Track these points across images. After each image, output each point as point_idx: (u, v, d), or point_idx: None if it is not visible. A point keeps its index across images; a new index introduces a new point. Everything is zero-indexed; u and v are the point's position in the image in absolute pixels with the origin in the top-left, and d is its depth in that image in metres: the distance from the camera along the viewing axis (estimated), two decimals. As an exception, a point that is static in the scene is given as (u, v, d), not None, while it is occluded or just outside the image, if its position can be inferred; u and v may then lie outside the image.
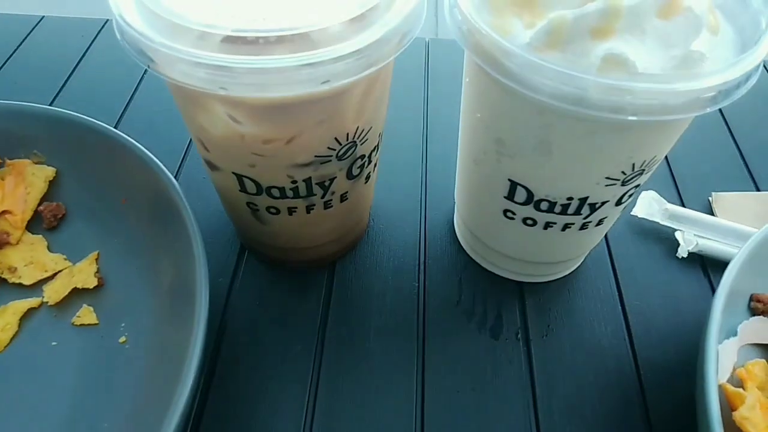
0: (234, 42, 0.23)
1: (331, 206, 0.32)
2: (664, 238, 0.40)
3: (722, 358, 0.28)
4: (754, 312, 0.32)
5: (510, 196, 0.31)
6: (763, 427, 0.24)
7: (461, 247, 0.40)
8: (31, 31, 0.55)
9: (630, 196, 0.31)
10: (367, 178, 0.34)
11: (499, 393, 0.33)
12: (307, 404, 0.32)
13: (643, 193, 0.42)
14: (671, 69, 0.23)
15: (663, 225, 0.41)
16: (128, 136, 0.35)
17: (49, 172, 0.37)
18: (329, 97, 0.25)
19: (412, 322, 0.36)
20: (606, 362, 0.34)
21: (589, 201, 0.30)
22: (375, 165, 0.34)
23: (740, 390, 0.26)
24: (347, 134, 0.28)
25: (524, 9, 0.25)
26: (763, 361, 0.30)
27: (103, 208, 0.36)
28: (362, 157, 0.31)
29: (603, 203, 0.30)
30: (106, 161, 0.36)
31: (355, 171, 0.31)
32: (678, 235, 0.40)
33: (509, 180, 0.30)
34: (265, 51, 0.23)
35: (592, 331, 0.36)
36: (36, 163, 0.38)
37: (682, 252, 0.39)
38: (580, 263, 0.39)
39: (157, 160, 0.34)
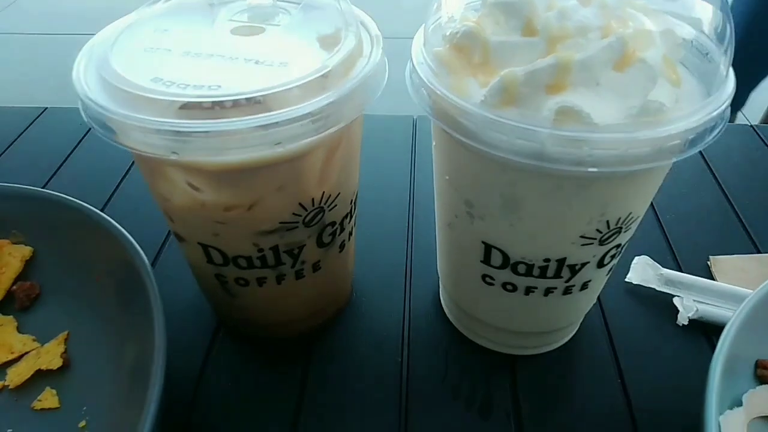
0: (191, 108, 0.23)
1: (303, 276, 0.31)
2: (663, 306, 0.38)
3: (727, 431, 0.25)
4: (761, 380, 0.30)
5: (486, 260, 0.30)
6: None
7: (448, 319, 0.38)
8: (33, 121, 0.57)
9: (612, 257, 0.29)
10: (342, 246, 0.33)
11: (488, 479, 0.30)
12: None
13: (636, 259, 0.40)
14: (629, 119, 0.22)
15: (660, 291, 0.39)
16: (111, 218, 0.35)
17: (26, 251, 0.37)
18: (287, 162, 0.25)
19: (395, 400, 0.33)
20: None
21: (567, 262, 0.28)
22: (350, 234, 0.34)
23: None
24: (312, 200, 0.28)
25: (478, 69, 0.25)
26: (775, 434, 0.27)
27: (77, 287, 0.36)
28: (332, 224, 0.30)
29: (583, 264, 0.28)
30: (82, 239, 0.36)
31: (326, 239, 0.31)
32: (676, 301, 0.38)
33: (483, 242, 0.29)
34: (221, 116, 0.23)
35: (589, 407, 0.33)
36: (14, 243, 0.37)
37: (682, 319, 0.37)
38: (573, 333, 0.36)
39: (130, 238, 0.34)
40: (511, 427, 0.32)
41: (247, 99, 0.23)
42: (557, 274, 0.29)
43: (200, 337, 0.37)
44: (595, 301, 0.35)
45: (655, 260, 0.40)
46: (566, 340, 0.36)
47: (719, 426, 0.24)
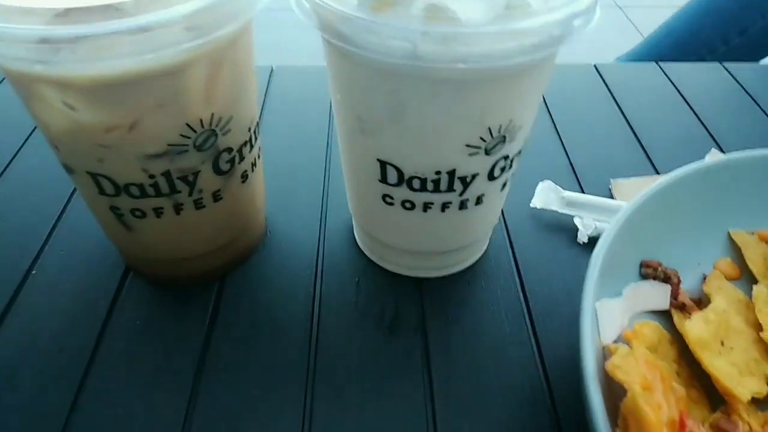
0: (63, 16, 0.22)
1: (204, 206, 0.31)
2: (565, 227, 0.40)
3: (606, 321, 0.27)
4: (645, 278, 0.32)
5: (383, 178, 0.30)
6: (636, 375, 0.23)
7: (361, 250, 0.38)
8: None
9: (503, 170, 0.30)
10: (244, 177, 0.33)
11: (395, 389, 0.31)
12: (184, 423, 0.29)
13: (540, 184, 0.42)
14: (495, 16, 0.23)
15: (562, 213, 0.40)
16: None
17: None
18: (165, 76, 0.25)
19: (305, 329, 0.34)
20: (508, 352, 0.33)
21: (458, 174, 0.29)
22: (254, 165, 0.34)
23: (620, 344, 0.25)
24: (200, 121, 0.27)
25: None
26: (654, 322, 0.29)
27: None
28: (229, 150, 0.30)
29: (473, 176, 0.29)
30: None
31: (224, 166, 0.30)
32: (577, 221, 0.40)
33: (378, 160, 0.29)
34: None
35: (492, 322, 0.34)
36: None
37: (582, 237, 0.39)
38: (479, 256, 0.38)
39: None
40: (418, 340, 0.33)
41: (118, 4, 0.22)
42: (450, 188, 0.30)
43: (108, 279, 0.36)
44: (495, 220, 0.36)
45: (560, 185, 0.42)
46: (472, 261, 0.37)
47: (595, 311, 0.26)
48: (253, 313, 0.34)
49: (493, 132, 0.27)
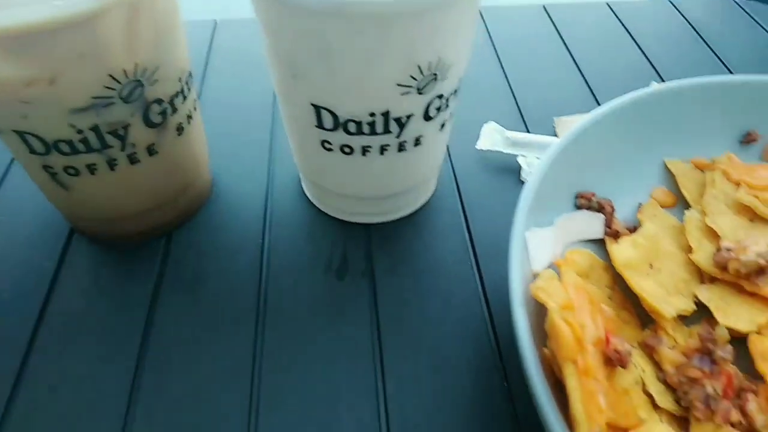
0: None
1: (139, 161, 0.31)
2: (511, 167, 0.41)
3: (537, 249, 0.27)
4: (580, 209, 0.32)
5: (320, 124, 0.30)
6: (558, 296, 0.24)
7: (308, 199, 0.39)
8: None
9: (438, 109, 0.30)
10: (180, 130, 0.32)
11: (343, 330, 0.31)
12: (133, 382, 0.29)
13: (485, 126, 0.42)
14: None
15: (507, 153, 0.41)
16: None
17: None
18: (80, 25, 0.24)
19: (254, 280, 0.34)
20: (453, 289, 0.33)
21: (392, 115, 0.29)
22: (189, 117, 0.33)
23: (548, 270, 0.26)
24: (124, 71, 0.27)
25: None
26: (587, 250, 0.30)
27: None
28: (158, 101, 0.30)
29: (408, 117, 0.29)
30: None
31: (155, 118, 0.30)
32: (520, 160, 0.40)
33: (312, 105, 0.29)
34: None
35: (439, 262, 0.35)
36: None
37: (525, 176, 0.39)
38: (426, 200, 0.38)
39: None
40: (366, 283, 0.34)
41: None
42: (386, 130, 0.30)
43: (53, 241, 0.36)
44: (437, 163, 0.36)
45: (506, 126, 0.42)
46: (419, 205, 0.38)
47: (524, 239, 0.26)
48: (201, 268, 0.34)
49: (423, 70, 0.27)
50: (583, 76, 0.49)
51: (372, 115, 0.29)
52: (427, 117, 0.30)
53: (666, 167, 0.35)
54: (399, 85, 0.28)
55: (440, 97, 0.30)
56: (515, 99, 0.46)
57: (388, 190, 0.35)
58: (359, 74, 0.27)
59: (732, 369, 0.25)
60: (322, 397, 0.29)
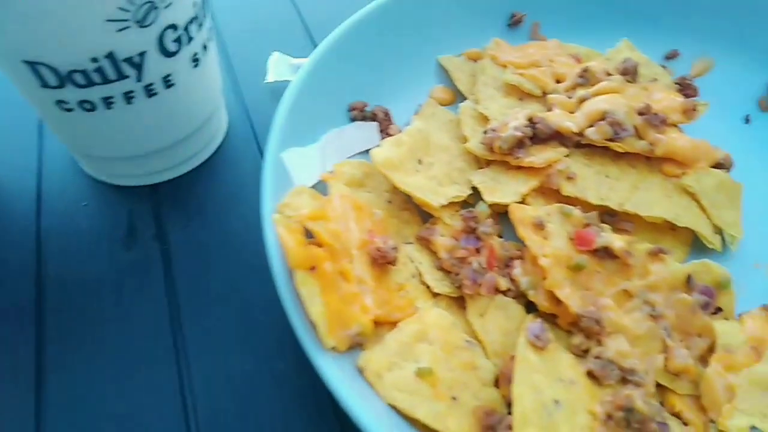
0: None
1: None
2: (304, 94, 0.39)
3: (298, 168, 0.26)
4: (354, 121, 0.32)
5: (44, 83, 0.27)
6: (308, 209, 0.23)
7: (85, 172, 0.35)
8: None
9: (180, 42, 0.28)
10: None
11: (136, 299, 0.29)
12: None
13: (270, 57, 0.40)
14: None
15: (296, 81, 0.39)
16: None
17: None
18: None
19: (29, 273, 0.30)
20: (255, 233, 0.32)
21: (120, 57, 0.26)
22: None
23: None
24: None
25: None
26: (359, 160, 0.29)
27: None
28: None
29: (141, 55, 0.27)
30: None
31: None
32: (309, 85, 0.39)
33: (25, 63, 0.26)
34: None
35: (239, 206, 0.33)
36: None
37: (317, 100, 0.38)
38: (218, 145, 0.36)
39: None
40: (157, 246, 0.31)
41: None
42: (121, 75, 0.27)
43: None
44: (208, 104, 0.33)
45: (295, 54, 0.41)
46: (209, 153, 0.36)
47: (280, 160, 0.25)
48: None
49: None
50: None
51: (95, 60, 0.26)
52: (166, 53, 0.28)
53: (440, 64, 0.35)
54: (111, 20, 0.25)
55: (173, 27, 0.27)
56: (304, 23, 0.44)
57: (161, 142, 0.32)
58: (61, 15, 0.24)
59: (496, 241, 0.26)
60: (118, 375, 0.27)
